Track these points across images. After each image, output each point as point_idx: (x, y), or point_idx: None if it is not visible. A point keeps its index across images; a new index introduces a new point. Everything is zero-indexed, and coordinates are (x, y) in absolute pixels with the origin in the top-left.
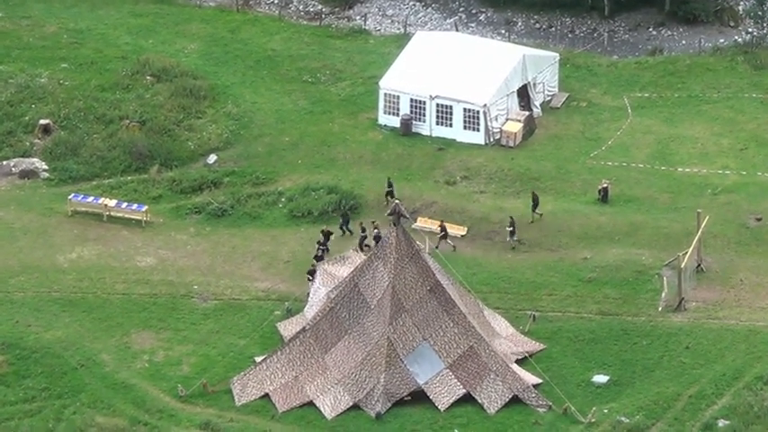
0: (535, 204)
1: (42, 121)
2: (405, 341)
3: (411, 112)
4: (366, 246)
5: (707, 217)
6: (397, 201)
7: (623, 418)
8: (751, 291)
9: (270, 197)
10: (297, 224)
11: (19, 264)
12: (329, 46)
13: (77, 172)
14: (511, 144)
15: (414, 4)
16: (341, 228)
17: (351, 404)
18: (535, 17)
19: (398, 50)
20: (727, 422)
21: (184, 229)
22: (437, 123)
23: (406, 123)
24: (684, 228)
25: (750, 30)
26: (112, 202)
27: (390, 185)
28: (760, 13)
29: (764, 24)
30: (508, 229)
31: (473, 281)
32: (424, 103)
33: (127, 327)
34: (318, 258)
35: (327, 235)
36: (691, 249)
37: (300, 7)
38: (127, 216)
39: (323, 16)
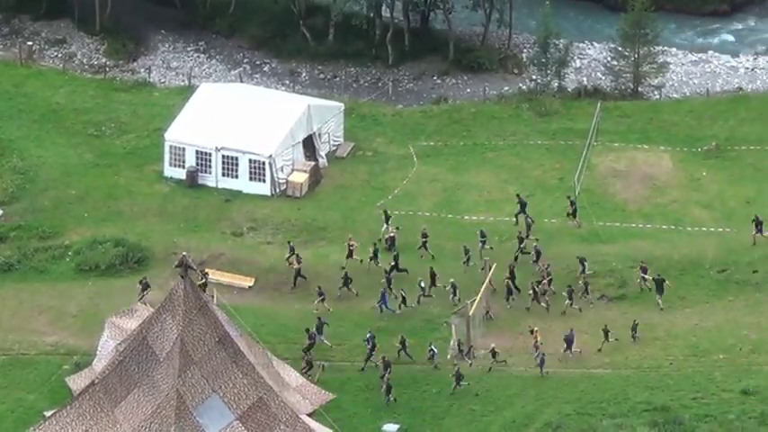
0: (293, 254)
1: None
2: (194, 393)
3: (197, 163)
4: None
5: (494, 264)
6: (184, 253)
7: None
8: (540, 337)
9: (57, 251)
10: (85, 278)
11: None
12: (114, 99)
13: None
14: (297, 194)
15: (198, 56)
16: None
17: None
18: (319, 67)
19: (183, 102)
20: None
21: None
22: (223, 175)
23: (192, 175)
24: (471, 276)
25: (534, 77)
26: None
27: (573, 203)
28: (543, 60)
29: (548, 72)
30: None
31: (261, 332)
32: (210, 154)
33: None
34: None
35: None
36: (479, 297)
37: (84, 60)
38: None
39: (107, 69)
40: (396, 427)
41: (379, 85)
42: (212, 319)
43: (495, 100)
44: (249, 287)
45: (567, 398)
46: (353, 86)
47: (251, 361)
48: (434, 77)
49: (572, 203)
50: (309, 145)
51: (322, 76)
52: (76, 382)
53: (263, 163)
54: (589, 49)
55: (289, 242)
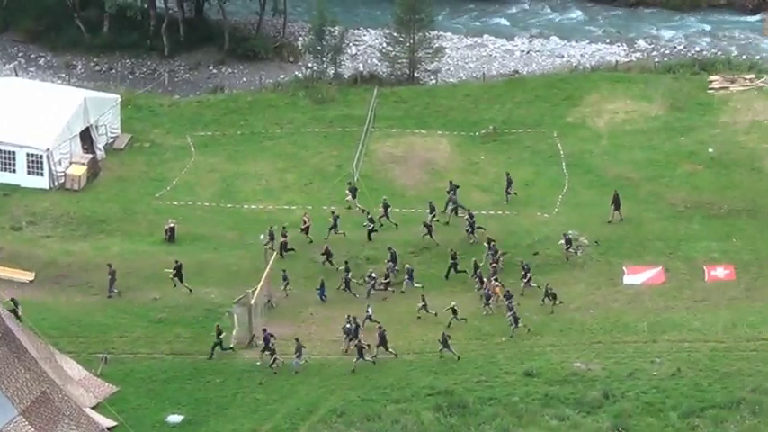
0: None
1: None
2: None
3: None
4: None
5: (274, 253)
6: None
7: None
8: (321, 324)
9: None
10: None
11: None
12: None
13: None
14: (76, 187)
15: None
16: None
17: None
18: (95, 60)
19: None
20: None
21: None
22: (0, 169)
23: None
24: (252, 264)
25: (310, 65)
26: None
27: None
28: (319, 47)
29: (324, 59)
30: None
31: (43, 326)
32: None
33: None
34: None
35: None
36: (260, 285)
37: None
38: None
39: None
40: (180, 417)
41: (155, 76)
42: None
43: (271, 88)
44: (30, 281)
45: (350, 384)
46: (129, 78)
47: (33, 355)
48: (210, 67)
49: (509, 182)
50: (87, 137)
51: (98, 68)
52: None
53: (41, 156)
54: (365, 35)
55: (270, 227)
